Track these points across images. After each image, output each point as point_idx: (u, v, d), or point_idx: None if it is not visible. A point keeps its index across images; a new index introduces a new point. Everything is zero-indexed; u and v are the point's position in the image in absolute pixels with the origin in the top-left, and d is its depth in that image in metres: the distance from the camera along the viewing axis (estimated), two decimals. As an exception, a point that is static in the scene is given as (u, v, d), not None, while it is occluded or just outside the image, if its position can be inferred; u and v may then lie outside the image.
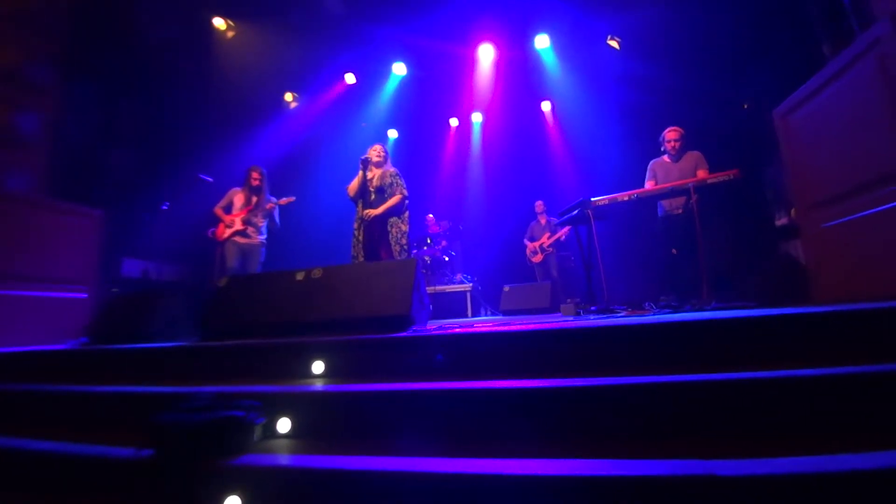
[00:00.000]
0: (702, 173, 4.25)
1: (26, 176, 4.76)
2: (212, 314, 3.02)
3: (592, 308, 3.69)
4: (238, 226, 5.06)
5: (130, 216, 6.10)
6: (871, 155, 2.66)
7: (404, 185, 4.59)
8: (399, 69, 8.34)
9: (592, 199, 4.08)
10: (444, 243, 7.62)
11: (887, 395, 1.44)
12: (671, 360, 1.84)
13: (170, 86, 6.97)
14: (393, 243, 4.43)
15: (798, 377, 1.51)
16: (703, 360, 1.81)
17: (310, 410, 1.87)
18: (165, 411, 1.70)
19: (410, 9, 6.79)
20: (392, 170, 4.65)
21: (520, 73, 8.25)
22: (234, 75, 7.34)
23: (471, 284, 6.89)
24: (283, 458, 1.61)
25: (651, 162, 4.71)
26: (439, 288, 6.89)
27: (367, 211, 4.46)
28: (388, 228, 4.47)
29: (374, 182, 4.57)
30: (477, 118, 9.51)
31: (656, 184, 4.47)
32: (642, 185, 4.59)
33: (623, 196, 4.04)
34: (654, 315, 2.90)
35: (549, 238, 7.12)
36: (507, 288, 6.16)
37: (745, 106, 6.66)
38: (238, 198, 5.20)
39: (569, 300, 4.88)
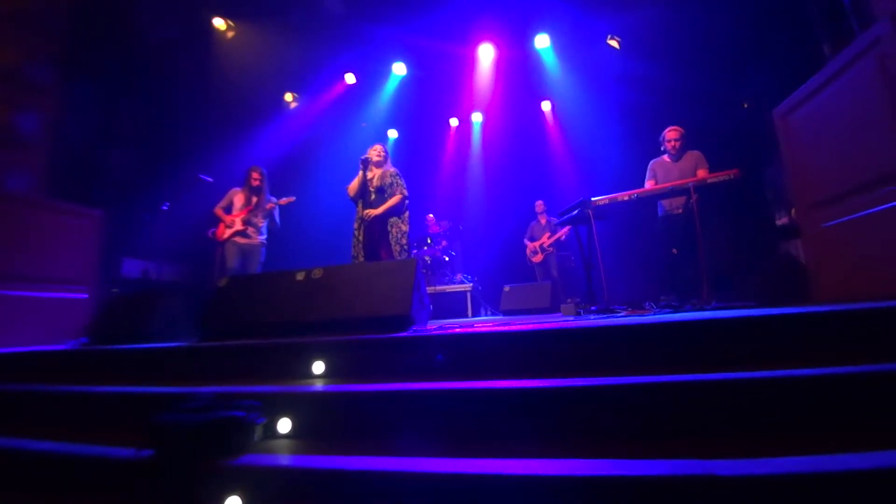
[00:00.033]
0: (702, 173, 4.25)
1: (26, 176, 4.76)
2: (212, 314, 3.02)
3: (593, 308, 3.69)
4: (238, 226, 5.06)
5: (131, 216, 6.09)
6: (871, 155, 2.66)
7: (404, 185, 4.59)
8: (399, 69, 8.34)
9: (592, 198, 4.07)
10: (444, 243, 7.62)
11: (887, 394, 1.44)
12: (671, 359, 1.84)
13: (170, 86, 6.97)
14: (393, 243, 4.43)
15: (798, 377, 1.51)
16: (703, 359, 1.81)
17: (310, 410, 1.88)
18: (166, 411, 1.70)
19: (410, 9, 6.79)
20: (392, 170, 4.65)
21: (520, 72, 8.25)
22: (234, 75, 7.34)
23: (471, 284, 6.89)
24: (284, 459, 1.61)
25: (651, 162, 4.71)
26: (439, 288, 6.89)
27: (367, 211, 4.46)
28: (389, 228, 4.47)
29: (375, 182, 4.57)
30: (477, 118, 9.51)
31: (656, 183, 4.47)
32: (642, 185, 4.59)
33: (623, 196, 4.03)
34: (654, 315, 2.90)
35: (549, 238, 7.12)
36: (507, 288, 6.16)
37: (746, 105, 6.66)
38: (238, 198, 5.20)
39: (569, 300, 4.88)
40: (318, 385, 2.06)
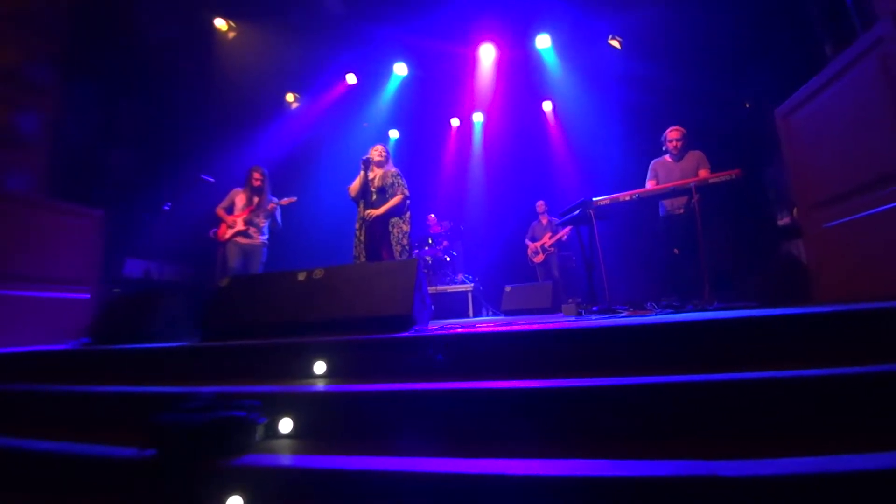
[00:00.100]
0: (703, 173, 4.25)
1: (27, 176, 4.77)
2: (213, 314, 3.02)
3: (594, 308, 3.69)
4: (240, 226, 5.06)
5: (132, 216, 6.11)
6: (873, 155, 2.65)
7: (406, 186, 4.59)
8: (400, 69, 8.35)
9: (594, 198, 4.07)
10: (445, 243, 7.62)
11: (888, 395, 1.43)
12: (673, 360, 1.84)
13: (170, 86, 6.98)
14: (394, 243, 4.43)
15: (799, 377, 1.50)
16: (704, 360, 1.81)
17: (311, 410, 1.88)
18: (167, 411, 1.71)
19: (411, 9, 6.79)
20: (393, 170, 4.65)
21: (521, 73, 8.25)
22: (235, 75, 7.34)
23: (472, 284, 6.89)
24: (285, 459, 1.61)
25: (652, 162, 4.70)
26: (441, 288, 6.89)
27: (368, 211, 4.46)
28: (390, 228, 4.47)
29: (376, 182, 4.57)
30: (478, 118, 9.51)
31: (658, 183, 4.47)
32: (643, 185, 4.59)
33: (625, 196, 4.03)
34: (655, 315, 2.89)
35: (550, 238, 7.12)
36: (508, 288, 6.16)
37: (747, 105, 6.65)
38: (240, 198, 5.21)
39: (570, 300, 4.88)
40: (320, 385, 2.06)
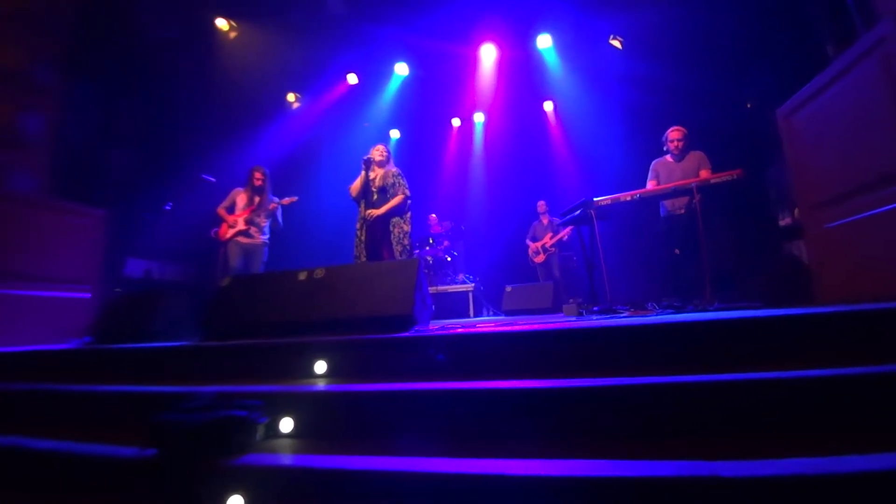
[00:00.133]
0: (705, 173, 4.24)
1: (29, 176, 4.78)
2: (214, 314, 3.02)
3: (595, 308, 3.69)
4: (241, 226, 5.07)
5: (133, 216, 6.11)
6: (875, 155, 2.64)
7: (406, 185, 4.59)
8: (401, 69, 8.35)
9: (595, 199, 4.07)
10: (446, 243, 7.62)
11: (889, 395, 1.43)
12: (673, 360, 1.83)
13: (171, 86, 6.99)
14: (395, 243, 4.43)
15: (800, 378, 1.50)
16: (705, 360, 1.80)
17: (312, 410, 1.88)
18: (168, 411, 1.71)
19: (412, 9, 6.79)
20: (394, 170, 4.65)
21: (522, 73, 8.25)
22: (237, 75, 7.35)
23: (473, 284, 6.89)
24: (286, 458, 1.61)
25: (654, 162, 4.70)
26: (441, 288, 6.90)
27: (369, 211, 4.46)
28: (391, 228, 4.47)
29: (377, 182, 4.57)
30: (479, 118, 9.51)
31: (659, 184, 4.46)
32: (644, 185, 4.59)
33: (626, 196, 4.03)
34: (656, 315, 2.89)
35: (551, 238, 7.11)
36: (509, 288, 6.16)
37: (749, 105, 6.64)
38: (241, 198, 5.21)
39: (571, 300, 4.88)
40: (321, 385, 2.06)
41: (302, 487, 1.48)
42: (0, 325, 3.73)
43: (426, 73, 8.39)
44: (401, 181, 4.58)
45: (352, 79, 8.37)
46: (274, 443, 1.76)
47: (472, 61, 8.09)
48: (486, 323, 3.74)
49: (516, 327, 2.30)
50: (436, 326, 3.13)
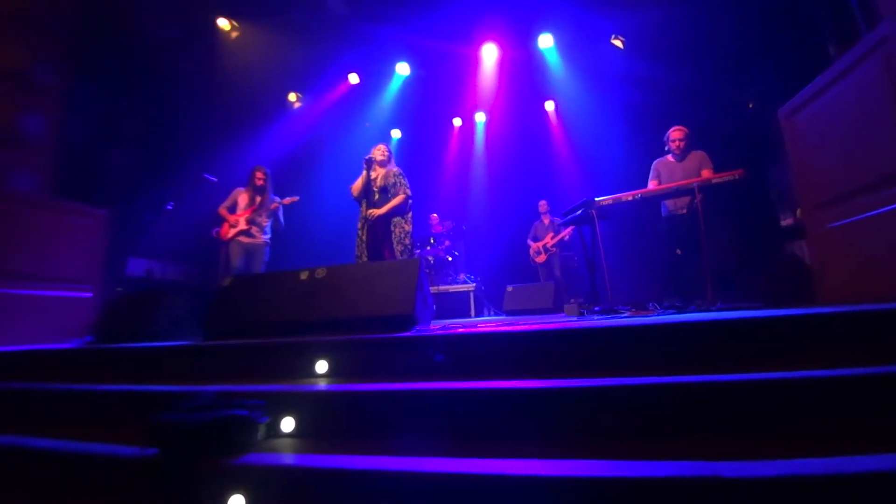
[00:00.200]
0: (706, 173, 4.24)
1: (30, 176, 4.79)
2: (216, 313, 3.03)
3: (596, 308, 3.68)
4: (242, 225, 5.08)
5: (135, 216, 6.12)
6: (877, 155, 2.64)
7: (408, 185, 4.59)
8: (402, 69, 8.35)
9: (596, 198, 4.07)
10: (447, 243, 7.62)
11: (892, 395, 1.43)
12: (675, 360, 1.83)
13: (173, 86, 7.00)
14: (396, 243, 4.44)
15: (802, 378, 1.50)
16: (706, 360, 1.80)
17: (313, 410, 1.88)
18: (169, 410, 1.71)
19: (413, 8, 6.79)
20: (396, 169, 4.65)
21: (523, 72, 8.24)
22: (238, 75, 7.36)
23: (474, 284, 6.89)
24: (287, 458, 1.61)
25: (655, 161, 4.69)
26: (442, 288, 6.90)
27: (370, 211, 4.46)
28: (392, 228, 4.47)
29: (378, 182, 4.57)
30: (480, 118, 9.51)
31: (660, 183, 4.46)
32: (646, 185, 4.58)
33: (627, 196, 4.02)
34: (658, 316, 2.89)
35: (552, 238, 7.11)
36: (510, 288, 6.15)
37: (751, 105, 6.63)
38: (242, 198, 5.22)
39: (572, 300, 4.88)
40: (322, 384, 2.06)
41: (303, 487, 1.48)
42: (1, 325, 3.73)
43: (427, 73, 8.40)
44: (402, 181, 4.58)
45: (353, 78, 8.38)
46: (275, 442, 1.76)
47: (474, 61, 8.09)
48: (488, 323, 3.74)
49: (517, 327, 2.29)
50: (437, 326, 3.13)
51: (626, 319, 2.62)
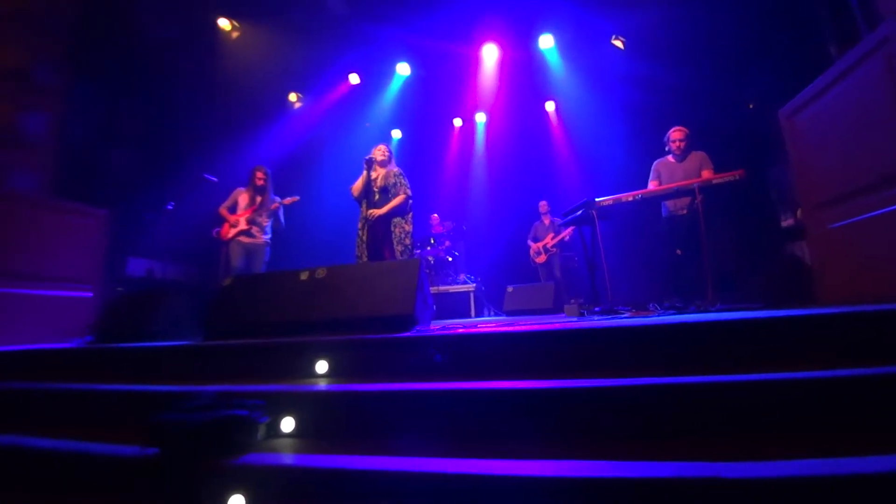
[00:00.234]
0: (707, 173, 4.23)
1: (31, 176, 4.79)
2: (216, 313, 3.03)
3: (596, 309, 3.68)
4: (242, 225, 5.08)
5: (136, 216, 6.12)
6: (878, 156, 2.64)
7: (408, 185, 4.59)
8: (403, 69, 8.35)
9: (596, 199, 4.07)
10: (447, 243, 7.62)
11: (892, 396, 1.43)
12: (675, 361, 1.83)
13: (173, 86, 7.00)
14: (396, 243, 4.43)
15: (802, 379, 1.50)
16: (706, 361, 1.80)
17: (313, 410, 1.88)
18: (169, 410, 1.71)
19: (414, 9, 6.79)
20: (396, 170, 4.65)
21: (524, 73, 8.24)
22: (239, 75, 7.36)
23: (474, 285, 6.88)
24: (287, 458, 1.61)
25: (655, 162, 4.69)
26: (443, 288, 6.89)
27: (370, 211, 4.46)
28: (392, 228, 4.47)
29: (378, 182, 4.57)
30: (481, 118, 9.50)
31: (660, 184, 4.45)
32: (646, 186, 4.58)
33: (627, 196, 4.02)
34: (658, 316, 2.89)
35: (552, 238, 7.11)
36: (510, 288, 6.15)
37: (751, 106, 6.63)
38: (242, 198, 5.22)
39: (572, 301, 4.88)
40: (322, 384, 2.06)
41: (303, 487, 1.48)
42: (1, 325, 3.73)
43: (428, 73, 8.40)
44: (402, 181, 4.58)
45: (353, 79, 8.38)
46: (275, 442, 1.76)
47: (474, 61, 8.09)
48: (488, 323, 3.74)
49: (517, 328, 2.29)
50: (437, 326, 3.13)
51: (626, 320, 2.62)
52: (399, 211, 4.50)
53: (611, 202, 4.04)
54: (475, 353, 2.12)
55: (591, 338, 2.00)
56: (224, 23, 7.04)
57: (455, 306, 6.70)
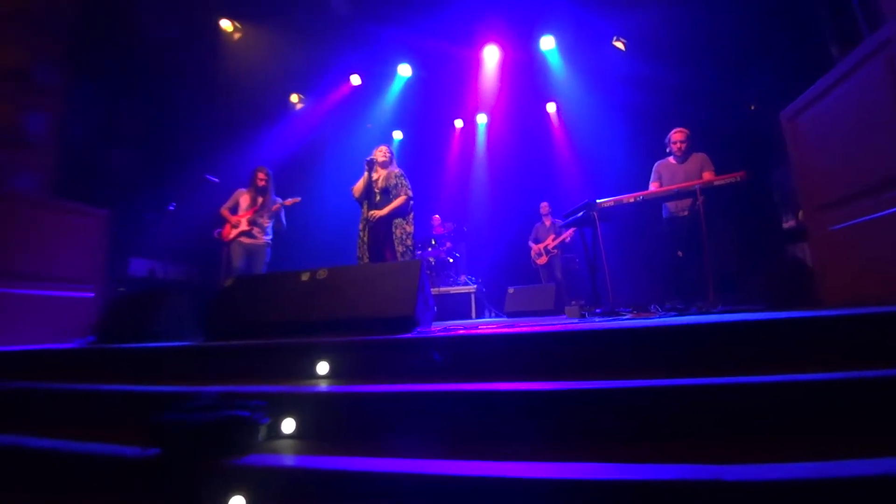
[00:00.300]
0: (708, 175, 4.23)
1: (32, 176, 4.80)
2: (217, 314, 3.03)
3: (597, 310, 3.68)
4: (244, 226, 5.08)
5: (137, 216, 6.13)
6: (880, 157, 2.63)
7: (409, 186, 4.59)
8: (404, 70, 8.37)
9: (597, 200, 4.06)
10: (448, 244, 7.62)
11: (894, 398, 1.42)
12: (676, 363, 1.83)
13: (174, 86, 7.01)
14: (397, 244, 4.43)
15: (804, 381, 1.49)
16: (707, 363, 1.80)
17: (314, 411, 1.88)
18: (170, 411, 1.71)
19: (415, 10, 6.80)
20: (397, 171, 4.65)
21: (525, 74, 8.25)
22: (240, 76, 7.38)
23: (475, 286, 6.88)
24: (288, 459, 1.61)
25: (656, 163, 4.69)
26: (444, 289, 6.89)
27: (372, 212, 4.46)
28: (393, 229, 4.47)
29: (380, 183, 4.57)
30: (482, 119, 9.51)
31: (661, 185, 4.45)
32: (647, 187, 4.57)
33: (628, 198, 4.02)
34: (659, 318, 2.88)
35: (553, 240, 7.10)
36: (511, 290, 6.15)
37: (753, 107, 6.62)
38: (244, 198, 5.22)
39: (573, 302, 4.87)
40: (323, 385, 2.06)
41: (303, 488, 1.48)
42: (2, 325, 3.74)
43: (429, 75, 8.40)
44: (403, 182, 4.58)
45: (355, 80, 8.39)
46: (276, 443, 1.76)
47: (476, 63, 8.10)
48: (488, 324, 3.74)
49: (518, 329, 2.29)
50: (438, 328, 3.13)
51: (627, 321, 2.62)
52: (400, 212, 4.50)
53: (612, 203, 4.04)
54: (476, 355, 2.12)
55: (592, 339, 2.00)
56: (226, 24, 7.05)
57: (456, 307, 6.70)
